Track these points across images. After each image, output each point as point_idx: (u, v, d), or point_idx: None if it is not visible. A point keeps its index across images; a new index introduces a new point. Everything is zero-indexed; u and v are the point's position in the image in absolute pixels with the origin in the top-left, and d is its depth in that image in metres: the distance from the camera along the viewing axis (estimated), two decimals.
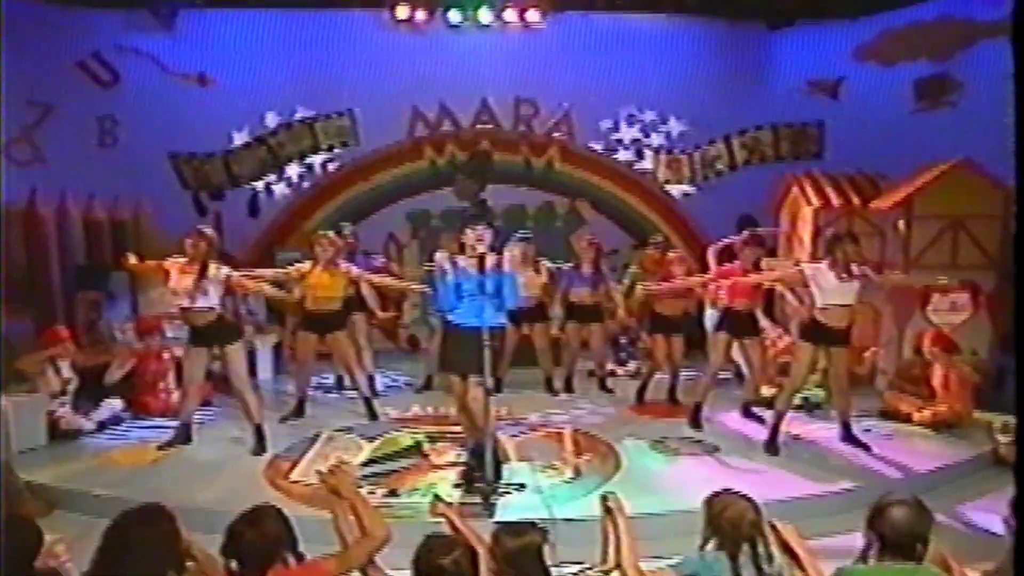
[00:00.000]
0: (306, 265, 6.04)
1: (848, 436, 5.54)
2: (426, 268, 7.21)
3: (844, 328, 5.29)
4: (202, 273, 5.25)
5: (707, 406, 6.14)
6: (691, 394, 6.32)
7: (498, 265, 4.45)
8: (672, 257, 6.73)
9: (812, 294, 5.34)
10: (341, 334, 6.31)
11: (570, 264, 7.11)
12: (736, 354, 6.44)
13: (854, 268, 5.19)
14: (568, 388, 7.13)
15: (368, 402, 6.39)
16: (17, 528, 2.59)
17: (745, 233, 6.37)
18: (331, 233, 6.26)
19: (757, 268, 6.21)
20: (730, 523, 2.71)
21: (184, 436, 5.62)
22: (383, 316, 7.00)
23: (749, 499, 2.82)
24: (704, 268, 7.36)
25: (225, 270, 5.36)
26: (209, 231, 5.47)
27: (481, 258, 4.40)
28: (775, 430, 5.52)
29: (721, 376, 6.41)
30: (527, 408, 6.54)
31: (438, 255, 4.72)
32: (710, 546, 2.77)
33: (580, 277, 6.98)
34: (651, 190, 9.32)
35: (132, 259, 5.48)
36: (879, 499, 2.67)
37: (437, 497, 3.81)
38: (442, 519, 3.17)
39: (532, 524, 2.80)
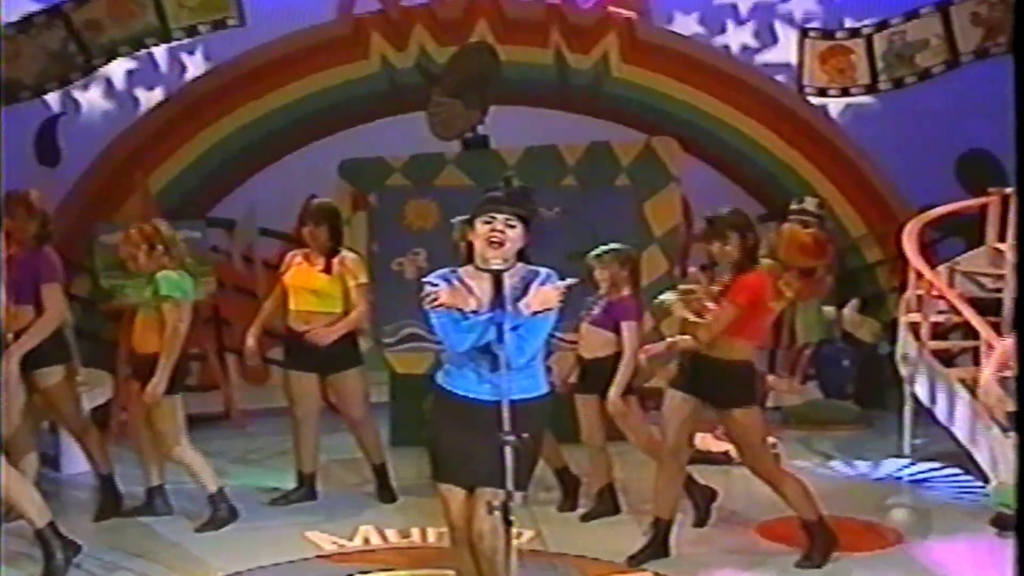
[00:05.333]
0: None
1: None
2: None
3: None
4: None
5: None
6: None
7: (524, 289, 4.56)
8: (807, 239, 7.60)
9: None
10: (354, 372, 6.81)
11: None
12: None
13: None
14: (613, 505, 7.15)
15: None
16: None
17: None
18: None
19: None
20: None
21: None
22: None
23: None
24: (902, 257, 7.81)
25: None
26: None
27: (497, 276, 4.42)
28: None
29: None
30: (565, 530, 6.56)
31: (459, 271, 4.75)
32: None
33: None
34: (792, 109, 9.40)
35: None
36: None
37: None
38: None
39: None
